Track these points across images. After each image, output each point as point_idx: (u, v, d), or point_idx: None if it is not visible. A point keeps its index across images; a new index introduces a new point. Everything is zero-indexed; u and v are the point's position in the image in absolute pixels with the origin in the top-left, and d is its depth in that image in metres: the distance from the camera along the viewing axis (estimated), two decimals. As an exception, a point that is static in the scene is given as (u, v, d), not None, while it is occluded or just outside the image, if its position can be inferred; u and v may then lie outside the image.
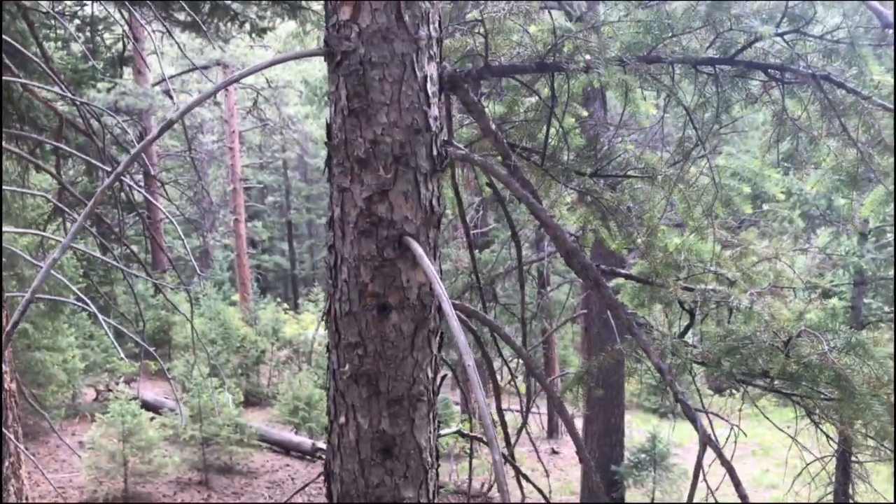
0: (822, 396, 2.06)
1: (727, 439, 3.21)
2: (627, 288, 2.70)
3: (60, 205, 5.15)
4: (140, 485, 9.43)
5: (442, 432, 1.85)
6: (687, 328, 2.46)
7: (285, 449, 11.67)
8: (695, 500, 1.92)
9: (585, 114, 2.70)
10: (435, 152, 1.70)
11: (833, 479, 7.86)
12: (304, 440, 11.67)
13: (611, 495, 9.75)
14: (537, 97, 2.40)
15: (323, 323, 1.90)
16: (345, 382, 1.74)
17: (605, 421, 9.99)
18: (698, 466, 1.77)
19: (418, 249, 1.54)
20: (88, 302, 4.89)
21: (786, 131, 2.31)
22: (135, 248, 17.59)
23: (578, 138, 2.52)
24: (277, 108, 25.80)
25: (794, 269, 2.87)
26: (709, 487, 2.23)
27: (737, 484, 1.73)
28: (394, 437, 1.68)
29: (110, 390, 12.67)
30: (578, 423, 10.32)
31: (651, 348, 1.57)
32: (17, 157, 6.05)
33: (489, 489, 10.81)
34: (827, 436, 4.83)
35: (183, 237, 4.67)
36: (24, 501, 4.66)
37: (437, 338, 1.80)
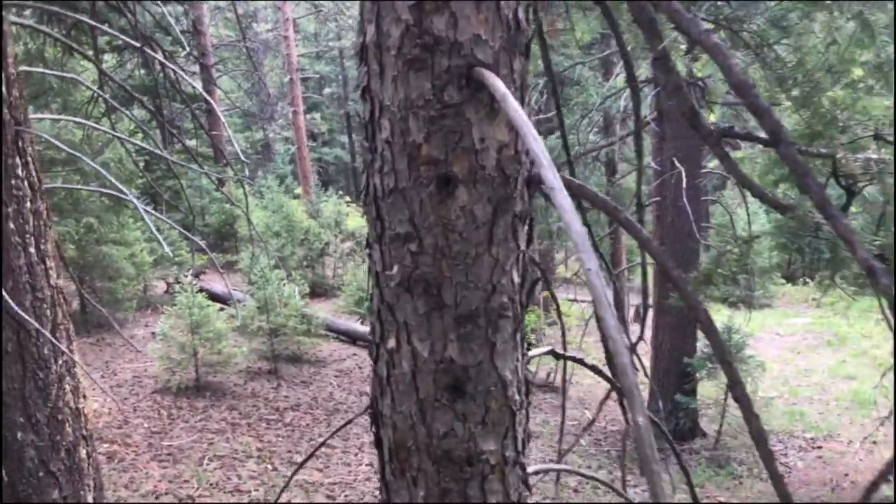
0: None
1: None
2: (756, 160, 2.10)
3: (98, 91, 4.75)
4: (211, 374, 9.57)
5: (531, 354, 1.35)
6: (845, 207, 1.88)
7: (351, 339, 11.69)
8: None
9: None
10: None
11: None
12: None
13: (682, 387, 9.42)
14: None
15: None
16: (393, 291, 1.23)
17: (678, 312, 9.48)
18: None
19: (498, 86, 0.99)
20: (140, 205, 4.56)
21: None
22: (195, 142, 17.48)
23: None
24: (331, -8, 24.76)
25: None
26: None
27: None
28: (466, 369, 1.18)
29: (179, 282, 12.89)
30: (650, 315, 9.88)
31: (856, 240, 1.02)
32: (53, 40, 5.65)
33: (553, 378, 10.62)
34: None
35: (229, 131, 4.23)
36: (83, 397, 4.54)
37: (526, 226, 1.26)
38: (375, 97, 1.17)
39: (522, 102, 1.13)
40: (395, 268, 1.23)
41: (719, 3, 1.75)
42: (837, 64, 1.97)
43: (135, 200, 4.23)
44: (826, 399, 10.01)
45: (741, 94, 1.10)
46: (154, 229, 4.09)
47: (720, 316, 12.80)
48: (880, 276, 0.97)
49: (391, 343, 1.25)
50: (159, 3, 4.83)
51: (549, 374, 10.84)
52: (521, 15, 1.12)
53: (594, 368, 1.51)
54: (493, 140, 1.16)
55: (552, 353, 1.47)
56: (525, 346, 1.30)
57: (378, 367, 1.35)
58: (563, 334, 1.81)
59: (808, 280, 14.73)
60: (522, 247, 1.27)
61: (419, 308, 1.21)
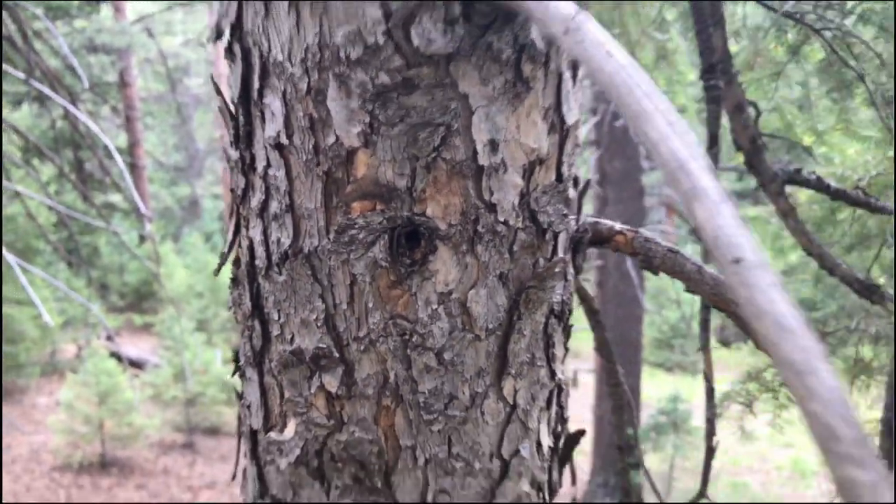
0: None
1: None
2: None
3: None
4: (119, 449, 8.73)
5: None
6: None
7: (277, 408, 10.99)
8: None
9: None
10: None
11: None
12: (296, 399, 10.97)
13: (626, 461, 9.09)
14: None
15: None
16: (284, 477, 0.70)
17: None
18: None
19: (551, 10, 0.52)
20: (23, 278, 4.00)
21: None
22: (118, 197, 16.65)
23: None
24: (267, 50, 24.66)
25: None
26: None
27: None
28: None
29: (91, 345, 11.95)
30: (590, 382, 9.62)
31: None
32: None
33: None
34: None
35: (128, 179, 3.77)
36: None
37: (564, 331, 0.69)
38: (253, 47, 0.59)
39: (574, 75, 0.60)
40: (291, 425, 0.65)
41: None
42: None
43: (20, 273, 3.68)
44: (767, 469, 9.90)
45: None
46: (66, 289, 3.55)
47: (658, 381, 12.68)
48: None
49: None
50: (61, 42, 4.37)
51: None
52: None
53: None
54: (516, 146, 0.57)
55: None
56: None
57: None
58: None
59: (740, 346, 14.92)
60: (560, 374, 0.66)
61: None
